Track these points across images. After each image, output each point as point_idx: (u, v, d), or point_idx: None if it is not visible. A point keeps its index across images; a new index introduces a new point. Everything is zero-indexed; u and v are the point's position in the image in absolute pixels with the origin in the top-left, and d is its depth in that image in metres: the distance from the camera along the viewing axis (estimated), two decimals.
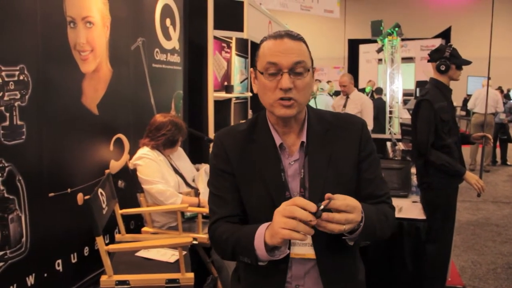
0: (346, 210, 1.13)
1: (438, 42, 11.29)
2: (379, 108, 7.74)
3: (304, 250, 1.31)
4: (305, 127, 1.35)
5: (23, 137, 2.18)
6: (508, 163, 8.97)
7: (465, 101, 11.83)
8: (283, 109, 1.26)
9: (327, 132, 1.35)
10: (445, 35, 11.64)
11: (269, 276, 1.33)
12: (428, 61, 3.14)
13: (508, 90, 12.86)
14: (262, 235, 1.19)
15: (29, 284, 2.25)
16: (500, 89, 10.00)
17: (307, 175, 1.31)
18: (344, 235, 1.21)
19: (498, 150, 9.03)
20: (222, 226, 1.34)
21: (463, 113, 11.25)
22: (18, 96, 2.14)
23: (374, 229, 1.26)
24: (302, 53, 1.26)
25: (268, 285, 1.34)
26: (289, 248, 1.24)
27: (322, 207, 1.11)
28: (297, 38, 1.28)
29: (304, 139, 1.34)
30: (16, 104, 2.13)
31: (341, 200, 1.13)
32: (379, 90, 8.58)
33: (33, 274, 2.28)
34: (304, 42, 1.30)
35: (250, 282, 1.39)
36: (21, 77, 2.16)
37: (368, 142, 1.38)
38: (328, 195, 1.14)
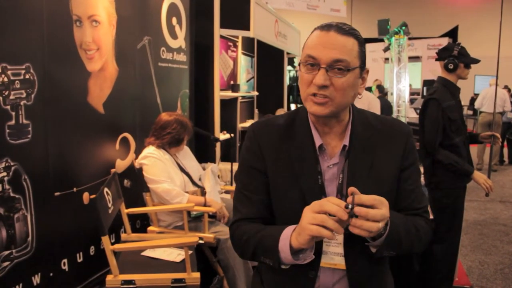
0: (373, 205, 1.06)
1: (445, 41, 11.24)
2: (382, 106, 7.67)
3: (335, 259, 1.25)
4: (349, 129, 1.27)
5: (29, 136, 2.18)
6: None
7: (472, 100, 11.75)
8: (314, 106, 1.18)
9: (371, 137, 1.27)
10: (452, 34, 11.59)
11: (296, 283, 1.27)
12: (436, 59, 3.11)
13: None
14: (288, 237, 1.14)
15: (35, 283, 2.25)
16: (507, 88, 9.91)
17: (345, 181, 1.23)
18: (367, 240, 1.16)
19: (505, 150, 8.96)
20: (244, 225, 1.28)
21: (470, 112, 11.17)
22: (24, 95, 2.14)
23: (400, 238, 1.17)
24: (346, 50, 1.15)
25: None
26: (315, 254, 1.18)
27: (350, 206, 1.04)
28: (347, 32, 1.17)
29: (346, 142, 1.26)
30: (22, 103, 2.13)
31: (366, 195, 1.07)
32: (381, 88, 8.50)
33: (39, 274, 2.27)
34: (356, 37, 1.19)
35: (275, 287, 1.33)
36: (27, 76, 2.16)
37: (412, 152, 1.30)
38: (351, 189, 1.07)
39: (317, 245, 1.20)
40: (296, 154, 1.26)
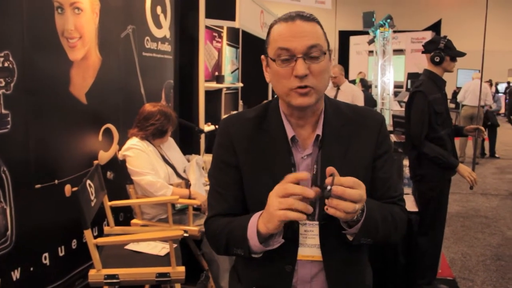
0: (352, 186, 1.04)
1: (428, 35, 11.33)
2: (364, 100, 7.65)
3: (312, 251, 1.23)
4: (321, 119, 1.25)
5: (8, 126, 2.11)
6: (497, 155, 9.04)
7: (455, 93, 11.89)
8: (299, 97, 1.16)
9: (344, 126, 1.25)
10: (436, 27, 11.68)
11: (274, 279, 1.25)
12: (423, 52, 3.11)
13: (497, 84, 12.96)
14: (255, 224, 1.12)
15: (14, 278, 2.19)
16: (489, 82, 10.06)
17: (319, 171, 1.20)
18: (344, 228, 1.15)
19: (486, 143, 9.10)
20: (217, 221, 1.26)
21: (453, 105, 11.30)
22: (3, 84, 2.07)
23: (376, 224, 1.16)
24: (316, 35, 1.15)
25: None
26: (291, 247, 1.16)
27: (329, 187, 1.02)
28: (310, 19, 1.17)
29: (319, 132, 1.23)
30: (0, 92, 2.06)
31: (344, 177, 1.05)
32: (364, 82, 8.46)
33: (19, 268, 2.22)
34: (318, 22, 1.19)
35: (252, 283, 1.30)
36: (6, 64, 2.08)
37: (385, 140, 1.29)
38: (330, 168, 1.06)
39: (294, 238, 1.19)
40: (268, 147, 1.24)
